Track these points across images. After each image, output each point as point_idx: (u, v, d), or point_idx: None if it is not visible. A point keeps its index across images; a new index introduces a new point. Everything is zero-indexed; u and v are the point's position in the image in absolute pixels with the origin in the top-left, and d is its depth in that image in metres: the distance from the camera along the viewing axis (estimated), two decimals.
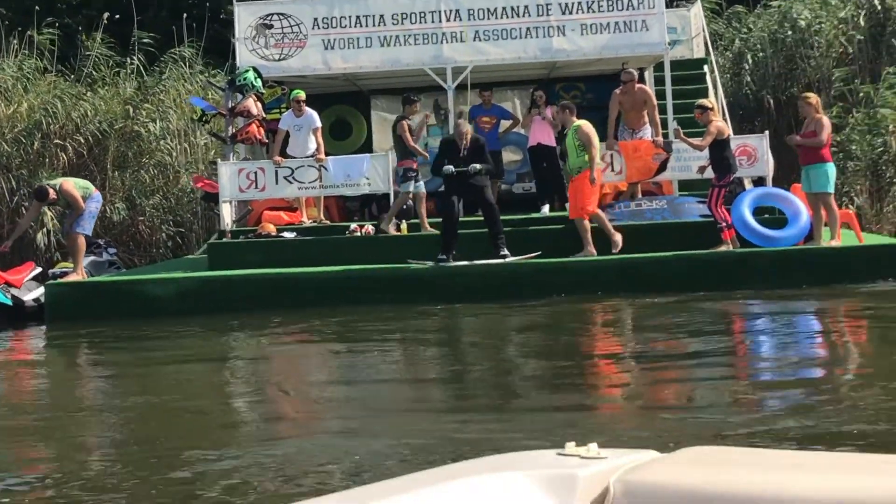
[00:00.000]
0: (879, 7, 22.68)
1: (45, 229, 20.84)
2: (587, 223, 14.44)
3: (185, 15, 24.42)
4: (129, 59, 23.63)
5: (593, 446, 2.53)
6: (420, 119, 16.26)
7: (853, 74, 22.39)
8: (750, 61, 23.33)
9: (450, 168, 13.86)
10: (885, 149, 21.32)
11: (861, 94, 21.72)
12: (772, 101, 23.00)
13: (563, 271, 13.88)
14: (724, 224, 14.59)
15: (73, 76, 23.55)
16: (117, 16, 24.60)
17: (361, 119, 18.96)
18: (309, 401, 8.27)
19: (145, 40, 23.38)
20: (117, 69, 23.75)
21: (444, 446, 6.07)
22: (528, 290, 13.45)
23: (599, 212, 14.71)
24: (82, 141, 22.41)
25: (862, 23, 22.86)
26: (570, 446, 2.55)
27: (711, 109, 15.07)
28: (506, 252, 13.77)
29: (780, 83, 23.20)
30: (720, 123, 15.14)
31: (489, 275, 13.72)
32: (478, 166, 13.83)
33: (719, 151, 14.73)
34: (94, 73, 23.45)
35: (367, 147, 18.58)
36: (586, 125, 14.84)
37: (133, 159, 22.53)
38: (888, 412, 6.49)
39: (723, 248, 14.44)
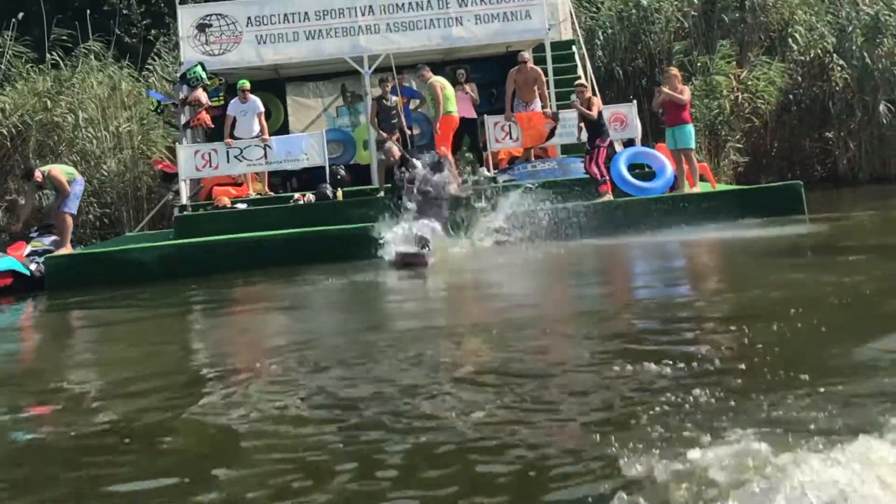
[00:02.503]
0: None
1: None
2: (450, 158, 17.58)
3: (88, 12, 26.55)
4: (44, 55, 25.47)
5: None
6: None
7: (690, 47, 25.85)
8: (601, 37, 26.47)
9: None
10: (720, 111, 24.90)
11: (699, 64, 25.20)
12: (621, 73, 26.27)
13: None
14: (604, 179, 17.76)
15: None
16: (21, 14, 26.33)
17: (279, 103, 21.42)
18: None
19: (63, 37, 25.29)
20: (31, 65, 25.57)
21: None
22: None
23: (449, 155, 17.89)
24: (4, 133, 24.28)
25: (696, 0, 26.36)
26: None
27: (585, 87, 18.34)
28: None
29: (627, 56, 26.46)
30: (597, 98, 18.38)
31: None
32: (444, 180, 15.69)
33: (597, 120, 17.92)
34: (10, 69, 25.23)
35: (284, 128, 21.03)
36: (438, 83, 18.40)
37: (54, 148, 24.45)
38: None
39: (605, 199, 17.57)
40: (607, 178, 17.75)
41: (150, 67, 25.82)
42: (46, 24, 26.45)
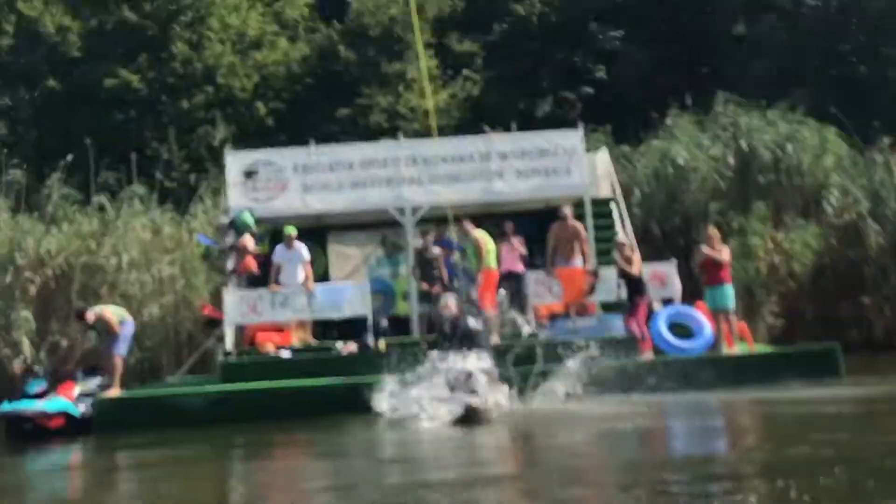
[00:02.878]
0: (746, 147, 26.59)
1: None
2: (493, 313, 17.84)
3: (134, 155, 27.20)
4: (89, 197, 25.98)
5: None
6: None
7: (726, 207, 26.09)
8: (637, 195, 26.76)
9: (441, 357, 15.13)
10: (756, 272, 25.01)
11: (735, 225, 25.41)
12: (658, 231, 26.47)
13: None
14: (643, 337, 17.87)
15: (36, 214, 25.79)
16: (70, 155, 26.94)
17: (320, 251, 21.69)
18: None
19: (110, 181, 25.83)
20: (77, 206, 26.07)
21: None
22: None
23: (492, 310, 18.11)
24: (49, 274, 24.62)
25: (731, 161, 26.73)
26: None
27: (625, 244, 18.57)
28: None
29: (663, 214, 26.69)
30: (637, 255, 18.59)
31: None
32: (470, 327, 15.22)
33: (637, 277, 18.11)
34: (57, 211, 25.71)
35: (324, 276, 21.23)
36: (482, 237, 18.55)
37: (97, 290, 24.70)
38: None
39: (646, 357, 17.63)
40: (647, 336, 17.87)
41: (193, 212, 26.19)
42: (94, 166, 27.02)
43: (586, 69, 37.23)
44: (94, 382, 16.81)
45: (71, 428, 15.79)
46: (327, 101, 35.37)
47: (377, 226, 21.37)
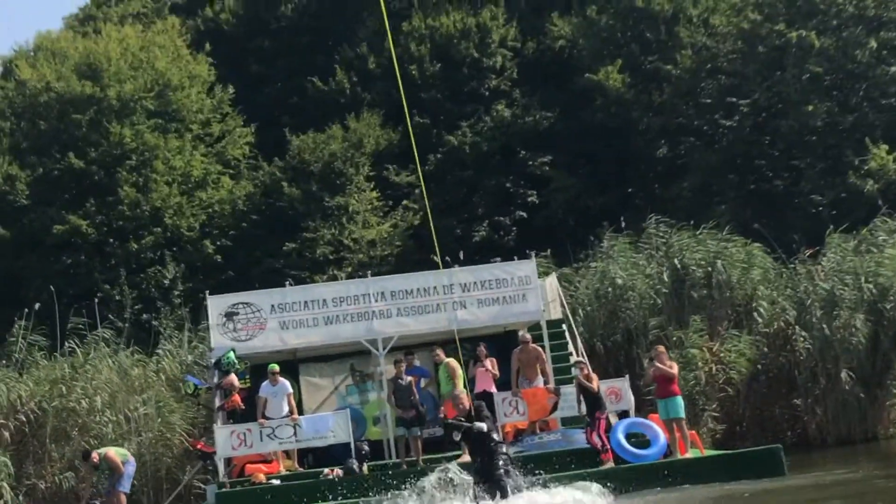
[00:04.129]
0: (679, 265, 28.52)
1: None
2: None
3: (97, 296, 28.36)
4: (56, 343, 26.98)
5: None
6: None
7: (665, 322, 27.90)
8: (581, 314, 28.44)
9: (457, 434, 16.12)
10: (696, 382, 26.72)
11: (674, 338, 27.19)
12: (602, 347, 28.14)
13: None
14: (605, 448, 19.42)
15: (3, 361, 26.69)
16: (38, 305, 28.00)
17: (293, 383, 22.88)
18: None
19: (79, 326, 26.91)
20: (43, 352, 27.04)
21: None
22: None
23: None
24: (23, 419, 25.49)
25: (666, 279, 28.62)
26: None
27: (584, 363, 20.28)
28: None
29: (606, 331, 28.41)
30: (595, 374, 20.24)
31: None
32: (481, 425, 15.84)
33: (592, 394, 19.72)
34: (28, 357, 26.66)
35: (298, 406, 22.44)
36: (454, 363, 20.13)
37: (68, 432, 25.59)
38: None
39: (607, 467, 19.12)
40: (608, 447, 19.39)
41: (160, 352, 27.32)
42: (59, 312, 28.04)
43: (518, 194, 39.31)
44: None
45: None
46: (272, 235, 36.85)
47: (344, 356, 22.71)
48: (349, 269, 35.57)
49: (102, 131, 36.51)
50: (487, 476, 15.39)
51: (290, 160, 37.99)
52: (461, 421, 15.97)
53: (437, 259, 23.15)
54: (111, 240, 35.63)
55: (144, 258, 35.69)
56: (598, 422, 19.55)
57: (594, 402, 19.71)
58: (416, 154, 20.16)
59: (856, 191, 35.71)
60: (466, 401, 16.63)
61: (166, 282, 35.20)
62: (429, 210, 22.98)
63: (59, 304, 29.81)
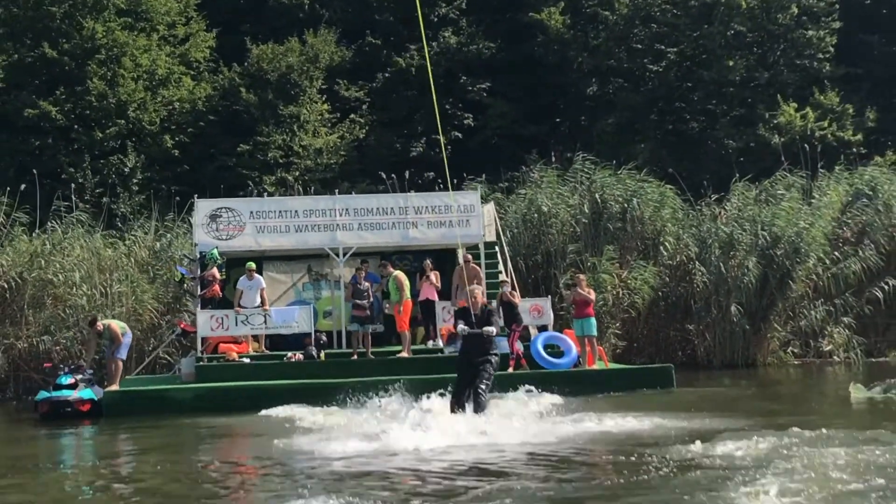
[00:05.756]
0: (599, 199, 32.12)
1: None
2: (408, 334, 23.00)
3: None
4: (36, 222, 29.86)
5: None
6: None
7: (582, 248, 31.53)
8: (508, 235, 31.94)
9: (464, 328, 16.05)
10: (604, 303, 30.44)
11: (589, 263, 30.84)
12: (523, 266, 31.70)
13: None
14: (517, 355, 23.01)
15: None
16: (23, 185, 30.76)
17: None
18: None
19: (61, 209, 29.80)
20: (24, 227, 29.90)
21: None
22: None
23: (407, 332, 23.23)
24: (4, 286, 28.45)
25: (586, 210, 32.19)
26: None
27: (507, 282, 23.80)
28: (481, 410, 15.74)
29: (528, 252, 31.95)
30: (517, 291, 23.80)
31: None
32: (491, 329, 15.97)
33: (513, 309, 23.24)
34: (11, 231, 29.52)
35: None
36: (401, 275, 23.49)
37: (44, 301, 28.63)
38: None
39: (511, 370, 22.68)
40: (518, 355, 22.99)
41: (134, 238, 30.38)
42: (39, 194, 30.81)
43: (456, 116, 42.57)
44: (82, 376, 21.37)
45: (94, 412, 20.28)
46: (228, 136, 39.73)
47: (303, 257, 26.02)
48: (296, 174, 38.71)
49: (75, 24, 38.81)
50: (469, 383, 15.62)
51: (249, 67, 40.73)
52: (473, 314, 16.01)
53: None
54: (77, 127, 38.10)
55: (107, 146, 38.32)
56: (513, 333, 23.09)
57: (513, 315, 23.18)
58: (437, 119, 22.73)
59: (763, 142, 39.66)
60: (480, 297, 16.60)
61: (126, 170, 37.95)
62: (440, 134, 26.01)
63: (24, 181, 32.41)
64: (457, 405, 15.47)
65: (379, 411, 16.90)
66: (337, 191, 27.94)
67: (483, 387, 15.42)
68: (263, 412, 19.50)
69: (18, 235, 29.66)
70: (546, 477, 11.06)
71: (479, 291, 16.60)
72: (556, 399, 19.63)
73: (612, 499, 9.35)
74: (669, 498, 9.08)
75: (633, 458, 11.80)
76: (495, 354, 16.04)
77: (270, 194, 35.37)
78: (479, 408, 15.24)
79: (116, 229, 31.25)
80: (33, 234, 29.77)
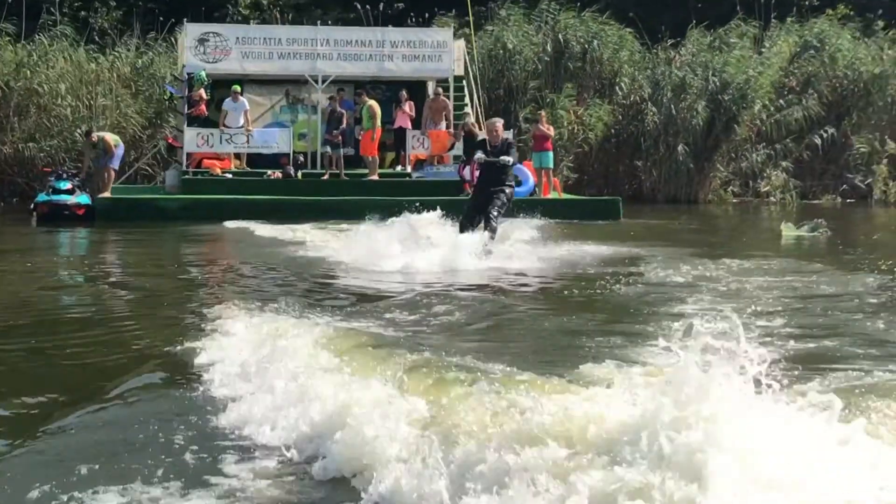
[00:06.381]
0: (562, 40, 33.81)
1: None
2: (374, 159, 24.86)
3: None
4: (25, 30, 31.15)
5: None
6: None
7: (542, 85, 33.36)
8: (474, 69, 33.59)
9: (481, 156, 15.51)
10: (560, 137, 32.44)
11: (548, 100, 32.72)
12: (486, 99, 33.48)
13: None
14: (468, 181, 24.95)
15: None
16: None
17: None
18: None
19: (50, 22, 31.08)
20: (10, 38, 31.20)
21: None
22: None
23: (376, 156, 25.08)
24: None
25: (549, 49, 33.91)
26: None
27: (469, 114, 25.63)
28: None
29: (492, 86, 33.72)
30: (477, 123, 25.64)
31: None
32: (507, 159, 15.32)
33: (473, 140, 25.05)
34: None
35: None
36: (374, 104, 25.13)
37: (30, 110, 30.18)
38: None
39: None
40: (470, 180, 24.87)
41: (116, 54, 31.78)
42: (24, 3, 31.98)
43: None
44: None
45: (87, 216, 22.16)
46: None
47: (281, 82, 27.62)
48: None
49: None
50: (482, 209, 15.43)
51: None
52: (493, 145, 15.53)
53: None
54: None
55: None
56: (473, 162, 24.94)
57: (474, 145, 24.99)
58: None
59: None
60: (501, 130, 15.89)
61: None
62: None
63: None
64: (469, 226, 15.28)
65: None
66: (318, 21, 29.39)
67: (495, 212, 15.18)
68: (231, 224, 21.22)
69: (5, 45, 30.94)
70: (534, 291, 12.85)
71: (500, 124, 16.07)
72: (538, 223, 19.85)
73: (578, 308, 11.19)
74: (617, 303, 11.04)
75: (591, 273, 13.72)
76: (510, 185, 15.68)
77: (245, 17, 36.63)
78: (490, 231, 15.04)
79: (97, 44, 32.54)
80: (19, 45, 31.04)
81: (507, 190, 15.46)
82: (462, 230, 15.17)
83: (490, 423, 5.03)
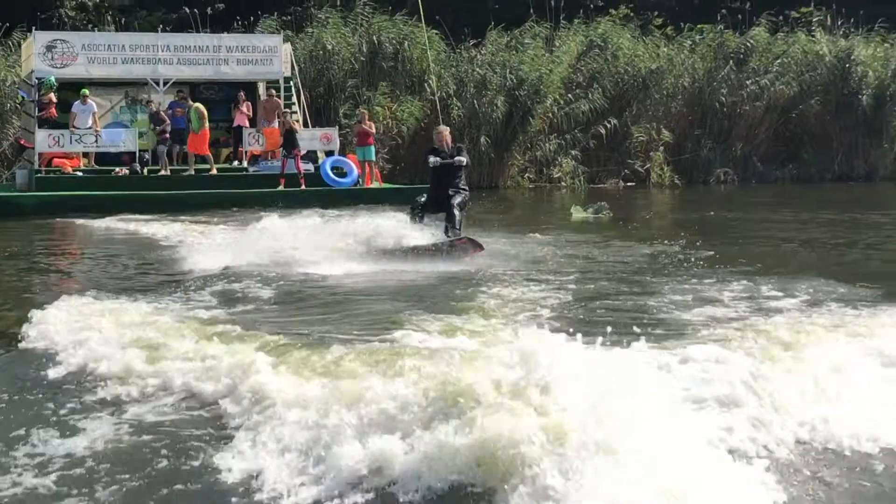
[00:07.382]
0: (376, 41, 37.03)
1: None
2: (210, 156, 27.78)
3: None
4: None
5: None
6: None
7: (360, 83, 36.51)
8: (297, 70, 36.50)
9: (436, 159, 15.67)
10: (376, 131, 35.62)
11: (365, 97, 35.90)
12: (308, 97, 36.42)
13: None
14: (301, 175, 27.96)
15: None
16: None
17: None
18: None
19: None
20: None
21: None
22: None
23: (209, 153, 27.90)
24: None
25: (364, 50, 37.10)
26: None
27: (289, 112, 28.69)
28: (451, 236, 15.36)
29: (313, 84, 36.62)
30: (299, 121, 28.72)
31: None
32: (462, 159, 15.63)
33: (293, 135, 28.07)
34: None
35: None
36: (200, 106, 27.91)
37: None
38: None
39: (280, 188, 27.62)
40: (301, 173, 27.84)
41: None
42: None
43: None
44: None
45: None
46: None
47: (122, 84, 30.08)
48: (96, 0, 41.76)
49: None
50: (439, 208, 15.83)
51: None
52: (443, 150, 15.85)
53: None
54: None
55: None
56: (297, 157, 27.83)
57: (293, 141, 27.85)
58: None
59: None
60: (447, 136, 16.14)
61: None
62: None
63: None
64: (420, 219, 15.83)
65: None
66: (160, 28, 31.89)
67: (458, 204, 15.41)
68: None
69: None
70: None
71: (447, 131, 16.41)
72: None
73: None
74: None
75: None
76: (465, 190, 15.79)
77: (71, 18, 38.65)
78: (452, 223, 15.27)
79: None
80: None
81: (464, 193, 15.70)
82: (413, 221, 15.79)
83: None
